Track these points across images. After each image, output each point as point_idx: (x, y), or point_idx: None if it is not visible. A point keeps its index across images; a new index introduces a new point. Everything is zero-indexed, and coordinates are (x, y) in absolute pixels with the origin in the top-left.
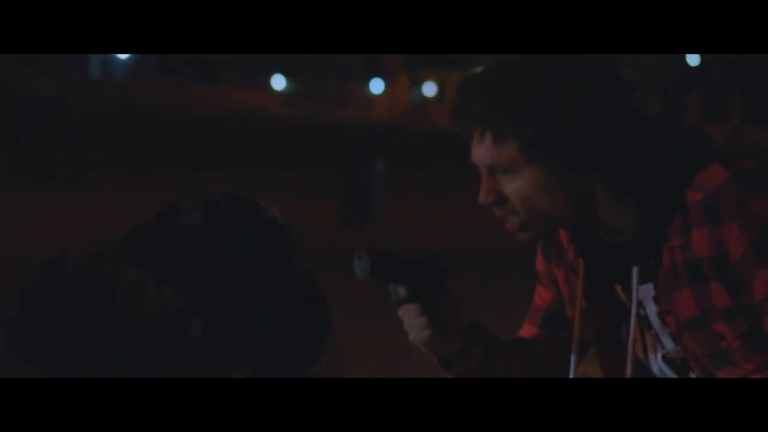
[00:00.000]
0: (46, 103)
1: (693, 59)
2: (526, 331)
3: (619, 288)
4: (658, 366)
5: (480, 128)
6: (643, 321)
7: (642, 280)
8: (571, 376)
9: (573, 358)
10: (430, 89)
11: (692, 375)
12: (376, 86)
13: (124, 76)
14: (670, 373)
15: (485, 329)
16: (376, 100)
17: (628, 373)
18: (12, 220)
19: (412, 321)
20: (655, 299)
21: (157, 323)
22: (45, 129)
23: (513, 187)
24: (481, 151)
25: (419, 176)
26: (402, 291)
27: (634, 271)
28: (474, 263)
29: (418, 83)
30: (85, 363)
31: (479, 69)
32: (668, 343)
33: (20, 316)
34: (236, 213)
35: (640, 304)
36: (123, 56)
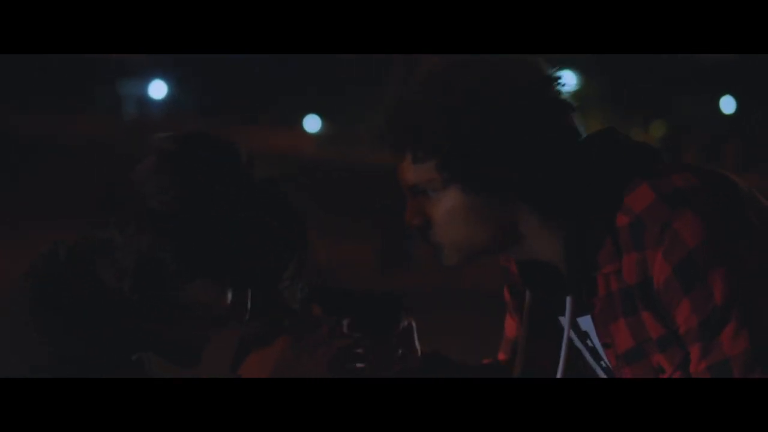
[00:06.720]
0: (86, 147)
1: (728, 107)
2: (501, 356)
3: (562, 320)
4: None
5: (400, 149)
6: (594, 353)
7: (581, 311)
8: None
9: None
10: None
11: None
12: None
13: (158, 117)
14: None
15: (446, 359)
16: None
17: None
18: None
19: (352, 355)
20: (597, 331)
21: (138, 265)
22: (88, 172)
23: (435, 208)
24: (404, 171)
25: None
26: (345, 325)
27: (568, 301)
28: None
29: None
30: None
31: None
32: None
33: (31, 302)
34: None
35: (587, 336)
36: (158, 97)
